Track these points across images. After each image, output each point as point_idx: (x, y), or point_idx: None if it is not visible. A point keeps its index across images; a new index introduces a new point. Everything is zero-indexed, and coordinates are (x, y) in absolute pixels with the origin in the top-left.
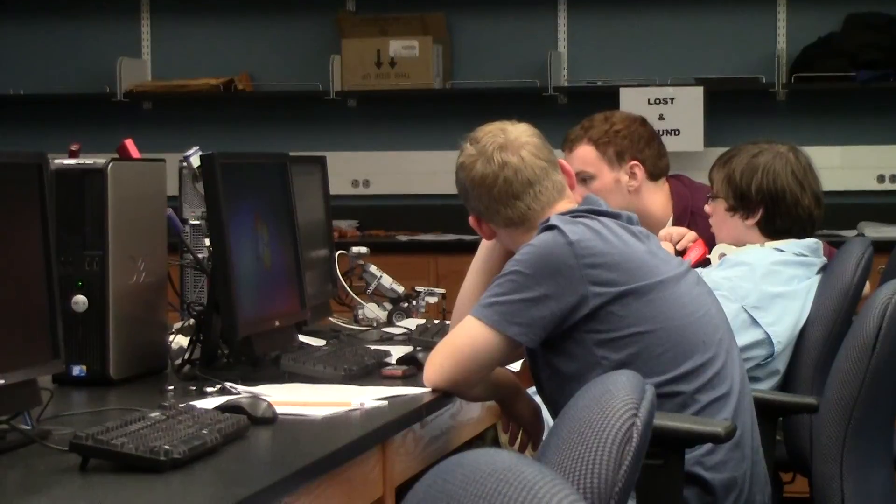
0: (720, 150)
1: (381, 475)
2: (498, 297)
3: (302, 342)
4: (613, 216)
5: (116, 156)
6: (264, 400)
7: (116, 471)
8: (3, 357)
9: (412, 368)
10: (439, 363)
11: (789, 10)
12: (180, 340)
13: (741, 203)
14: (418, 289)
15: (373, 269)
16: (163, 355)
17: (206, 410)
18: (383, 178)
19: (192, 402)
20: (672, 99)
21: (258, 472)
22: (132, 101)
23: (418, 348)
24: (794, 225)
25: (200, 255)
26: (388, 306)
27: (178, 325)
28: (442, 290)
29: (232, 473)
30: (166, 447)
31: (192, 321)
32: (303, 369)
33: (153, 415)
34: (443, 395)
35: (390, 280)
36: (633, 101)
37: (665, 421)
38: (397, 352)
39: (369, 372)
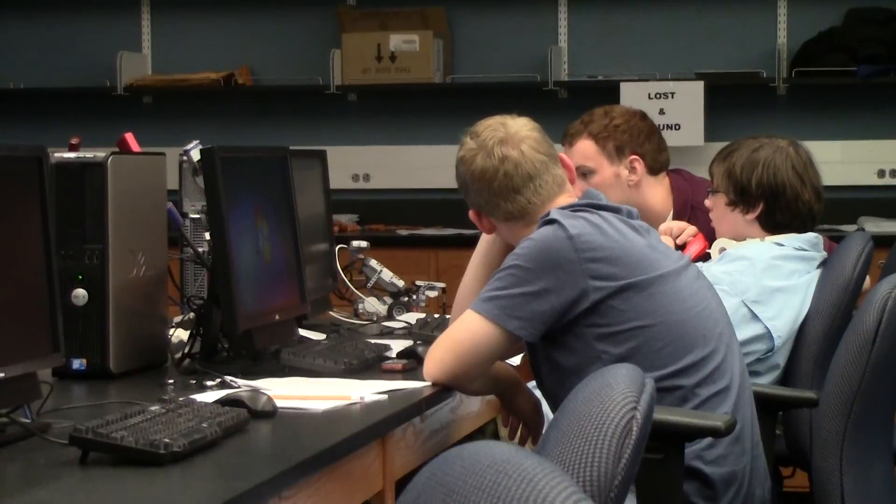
0: (720, 145)
1: (380, 469)
2: (498, 292)
3: (302, 336)
4: (614, 210)
5: (116, 149)
6: (264, 394)
7: (116, 464)
8: (3, 350)
9: (412, 362)
10: (439, 357)
11: (790, 5)
12: (180, 334)
13: (741, 197)
14: (418, 283)
15: (373, 263)
16: (163, 349)
17: (206, 404)
18: (383, 173)
19: (192, 396)
20: (672, 93)
21: (258, 466)
22: (132, 95)
23: (418, 342)
24: (794, 219)
25: (200, 249)
26: (389, 300)
27: (178, 318)
28: (442, 285)
29: (232, 467)
30: (166, 440)
31: (192, 315)
32: (303, 363)
33: (153, 408)
34: (443, 389)
35: (390, 274)
36: (633, 95)
37: (665, 415)
38: (397, 346)
39: (369, 366)
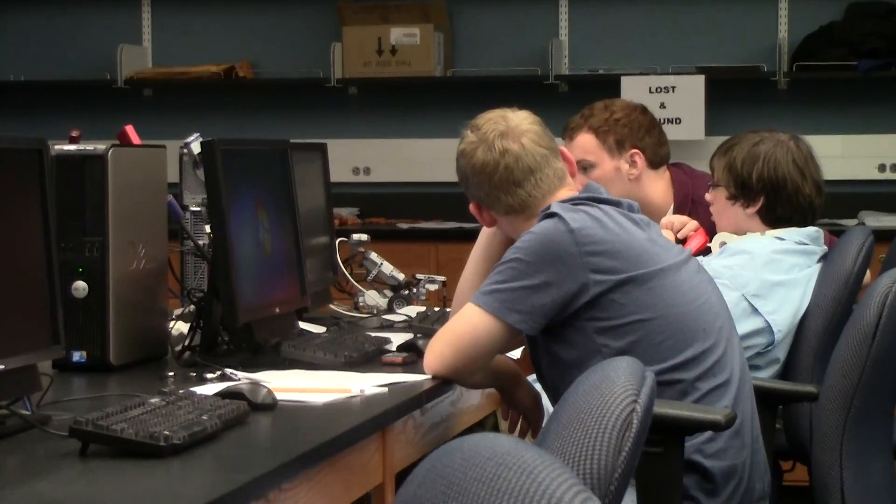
0: (721, 139)
1: (380, 462)
2: (498, 285)
3: (302, 329)
4: (614, 204)
5: (117, 142)
6: (264, 386)
7: (116, 456)
8: (4, 342)
9: (412, 355)
10: (440, 350)
11: None
12: (180, 327)
13: (742, 191)
14: (419, 276)
15: (373, 256)
16: (163, 341)
17: (206, 396)
18: (384, 166)
19: (192, 389)
20: (673, 87)
21: (258, 458)
22: (133, 87)
23: (418, 335)
24: (794, 213)
25: (201, 242)
26: (389, 293)
27: (178, 311)
28: (442, 278)
29: (232, 459)
30: (166, 433)
31: (192, 307)
32: (303, 356)
33: (153, 400)
34: (443, 383)
35: (391, 267)
36: (634, 89)
37: (665, 408)
38: (397, 339)
39: (369, 359)
